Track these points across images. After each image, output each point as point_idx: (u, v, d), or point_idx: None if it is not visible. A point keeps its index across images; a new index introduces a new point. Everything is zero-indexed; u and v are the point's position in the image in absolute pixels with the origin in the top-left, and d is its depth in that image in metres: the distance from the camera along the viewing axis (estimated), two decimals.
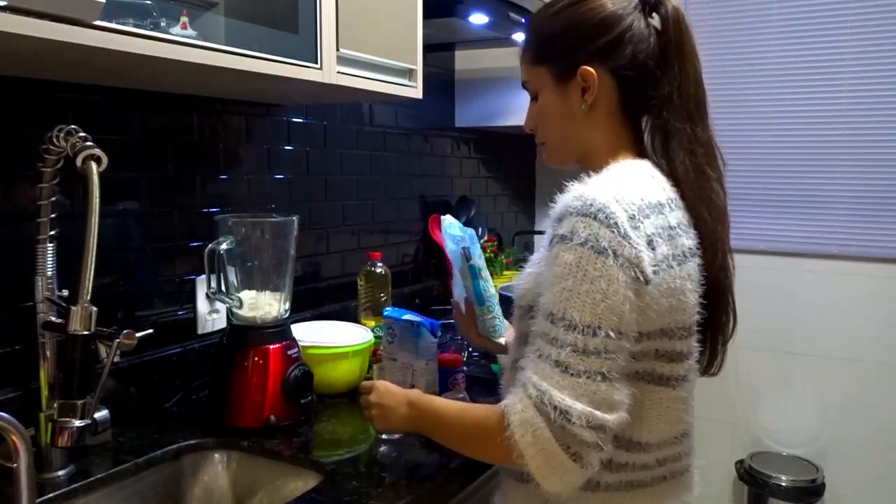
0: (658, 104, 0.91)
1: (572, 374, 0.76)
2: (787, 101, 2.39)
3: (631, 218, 0.79)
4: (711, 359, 0.96)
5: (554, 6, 0.94)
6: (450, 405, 0.95)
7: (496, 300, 1.24)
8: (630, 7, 0.91)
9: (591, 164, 0.94)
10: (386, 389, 1.04)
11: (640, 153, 0.94)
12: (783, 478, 2.30)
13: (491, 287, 1.23)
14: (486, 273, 1.22)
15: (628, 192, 0.82)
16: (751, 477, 2.36)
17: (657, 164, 0.92)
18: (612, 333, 0.76)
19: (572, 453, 0.76)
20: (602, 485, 0.86)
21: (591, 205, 0.79)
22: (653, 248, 0.80)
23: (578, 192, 0.82)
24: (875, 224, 2.30)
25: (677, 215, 0.86)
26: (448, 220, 1.24)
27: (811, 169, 2.38)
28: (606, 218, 0.78)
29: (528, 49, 0.97)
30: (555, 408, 0.75)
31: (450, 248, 1.23)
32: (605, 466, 0.85)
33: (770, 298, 2.43)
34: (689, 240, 0.86)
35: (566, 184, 0.86)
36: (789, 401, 2.47)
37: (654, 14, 0.93)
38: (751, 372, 2.48)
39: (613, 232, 0.77)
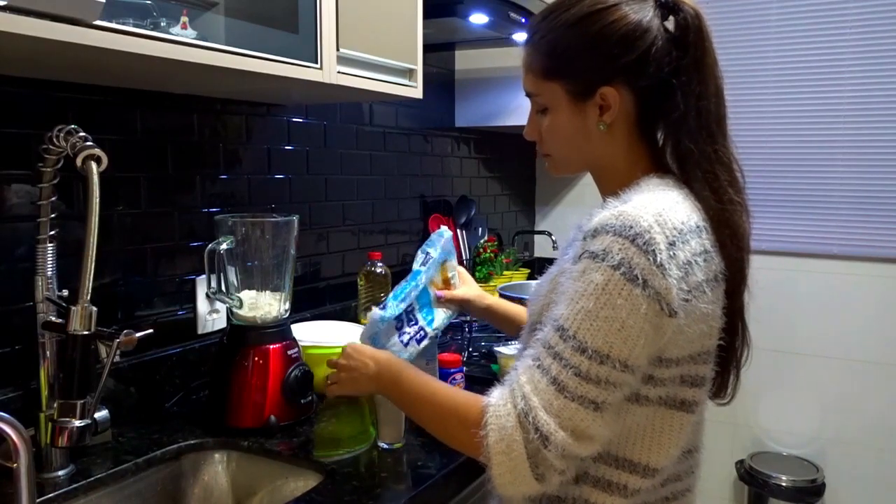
0: (675, 122, 0.85)
1: (566, 397, 0.74)
2: (787, 101, 2.39)
3: (671, 245, 0.75)
4: (723, 387, 0.93)
5: (567, 13, 0.85)
6: (427, 378, 0.93)
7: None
8: (650, 16, 0.83)
9: (607, 178, 0.91)
10: (354, 347, 1.01)
11: (660, 167, 0.89)
12: (783, 478, 2.30)
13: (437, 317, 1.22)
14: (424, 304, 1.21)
15: (670, 214, 0.77)
16: (751, 477, 2.36)
17: (682, 181, 0.88)
18: (618, 365, 0.74)
19: (538, 473, 0.75)
20: None
21: (631, 227, 0.75)
22: (688, 277, 0.77)
23: (619, 210, 0.77)
24: (875, 224, 2.30)
25: (711, 238, 0.82)
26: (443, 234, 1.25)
27: (811, 169, 2.38)
28: (645, 244, 0.74)
29: (538, 60, 0.88)
30: (537, 429, 0.74)
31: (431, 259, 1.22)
32: (619, 492, 0.83)
33: (770, 298, 2.42)
34: (720, 263, 0.83)
35: (605, 199, 0.83)
36: (789, 401, 2.47)
37: (671, 17, 0.84)
38: (751, 372, 2.46)
39: (649, 260, 0.73)
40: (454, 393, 0.89)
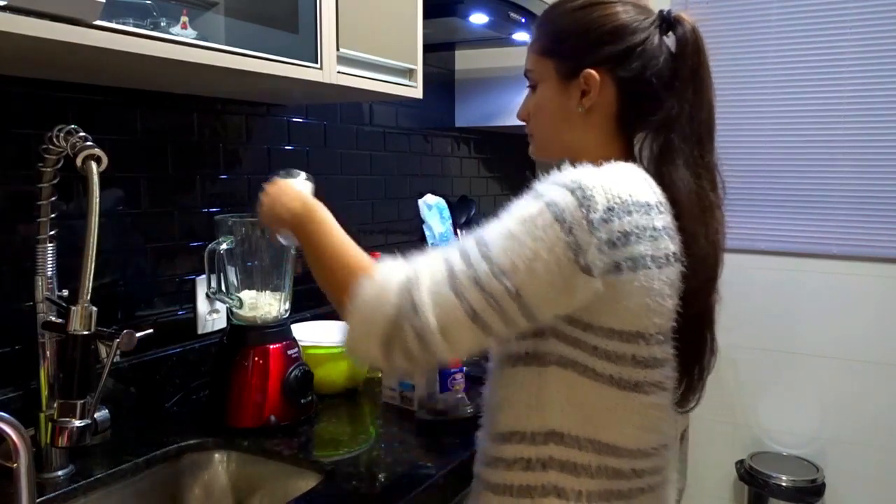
0: (663, 123, 0.90)
1: (453, 292, 0.76)
2: (786, 101, 2.39)
3: (608, 209, 0.78)
4: (688, 393, 0.94)
5: (573, 2, 0.93)
6: (342, 232, 0.92)
7: None
8: (647, 22, 0.90)
9: (579, 162, 0.93)
10: (285, 184, 0.99)
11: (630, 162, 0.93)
12: (783, 478, 2.30)
13: None
14: None
15: (618, 185, 0.80)
16: (751, 477, 2.36)
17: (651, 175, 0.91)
18: (511, 288, 0.75)
19: (387, 340, 0.77)
20: (584, 494, 0.85)
21: (576, 182, 0.79)
22: (623, 245, 0.78)
23: (570, 172, 0.82)
24: (875, 224, 2.30)
25: (665, 219, 0.84)
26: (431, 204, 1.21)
27: (811, 169, 2.38)
28: (583, 198, 0.77)
29: (539, 39, 0.97)
30: (411, 300, 0.76)
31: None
32: (585, 473, 0.84)
33: (770, 298, 2.43)
34: (673, 245, 0.84)
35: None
36: (789, 401, 2.47)
37: (670, 33, 0.91)
38: (751, 372, 2.48)
39: (582, 213, 0.76)
40: (356, 248, 0.89)
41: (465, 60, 2.28)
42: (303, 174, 1.04)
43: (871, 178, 2.29)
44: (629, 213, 0.80)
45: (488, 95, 2.24)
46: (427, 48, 1.50)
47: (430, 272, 0.78)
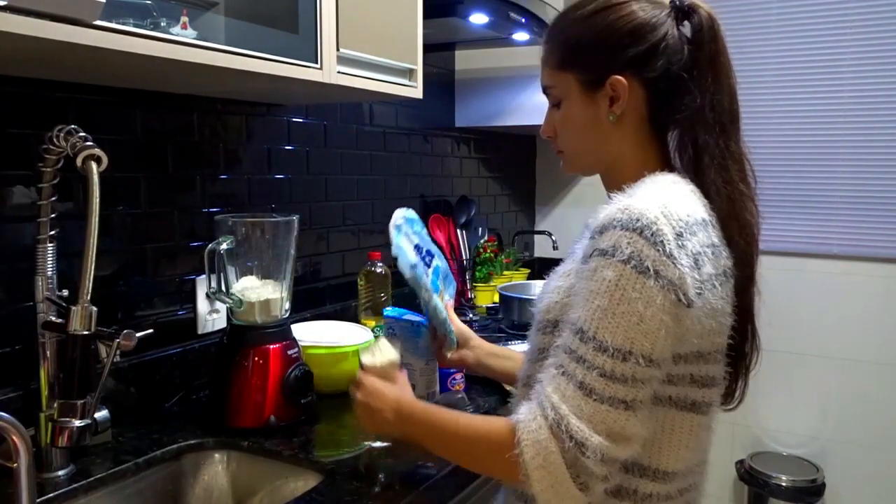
0: (689, 117, 0.87)
1: (595, 400, 0.73)
2: (786, 101, 2.39)
3: (678, 235, 0.75)
4: (731, 392, 0.91)
5: (583, 9, 0.90)
6: (448, 413, 0.90)
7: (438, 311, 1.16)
8: (663, 15, 0.86)
9: (615, 175, 0.91)
10: (374, 388, 0.96)
11: (668, 166, 0.90)
12: (783, 478, 2.30)
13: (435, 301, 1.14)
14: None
15: (676, 207, 0.77)
16: (751, 477, 2.36)
17: (690, 179, 0.88)
18: (642, 360, 0.73)
19: (580, 483, 0.73)
20: None
21: (637, 220, 0.75)
22: (698, 268, 0.76)
23: (624, 204, 0.77)
24: (875, 224, 2.30)
25: (718, 234, 0.83)
26: (403, 219, 1.14)
27: (811, 169, 2.38)
28: (653, 235, 0.74)
29: (554, 53, 0.92)
30: (571, 437, 0.72)
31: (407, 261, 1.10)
32: (630, 498, 0.82)
33: (770, 298, 2.41)
34: (729, 259, 0.83)
35: (611, 196, 0.82)
36: (789, 401, 2.47)
37: (686, 22, 0.88)
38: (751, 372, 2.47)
39: (658, 251, 0.73)
40: (478, 420, 0.86)
41: (465, 60, 2.28)
42: (385, 346, 1.03)
43: (871, 178, 2.29)
44: (694, 233, 0.78)
45: (488, 95, 2.24)
46: (427, 48, 1.50)
47: (561, 398, 0.74)
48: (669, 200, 0.78)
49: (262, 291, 1.24)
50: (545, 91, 0.95)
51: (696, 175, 0.87)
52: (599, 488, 0.75)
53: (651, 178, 0.85)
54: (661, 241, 0.74)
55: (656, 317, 0.73)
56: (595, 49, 0.88)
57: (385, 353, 1.03)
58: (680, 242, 0.75)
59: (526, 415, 0.76)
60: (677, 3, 0.88)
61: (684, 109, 0.87)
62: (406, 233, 1.14)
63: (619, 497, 0.82)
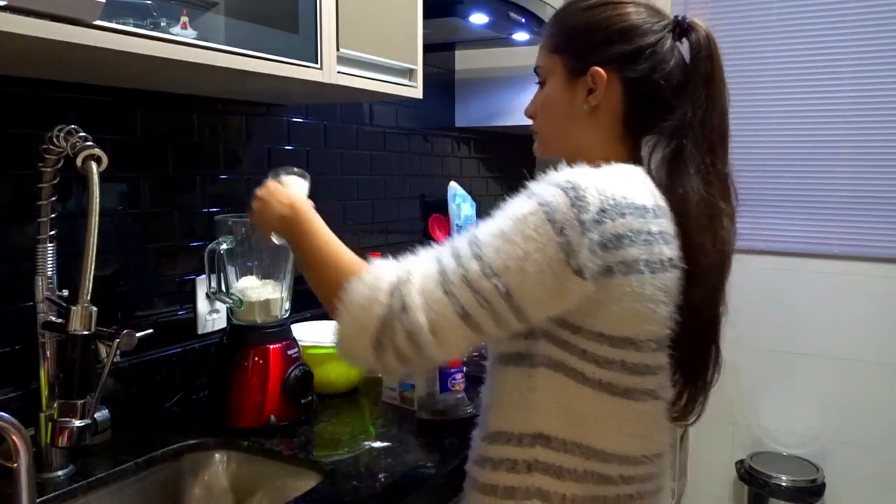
0: (675, 128, 0.89)
1: (445, 292, 0.76)
2: (787, 100, 2.39)
3: (601, 211, 0.77)
4: (689, 406, 0.92)
5: (586, 1, 0.94)
6: (333, 236, 0.92)
7: None
8: (658, 26, 0.90)
9: (580, 162, 0.91)
10: (276, 187, 0.97)
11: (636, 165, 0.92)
12: (783, 478, 2.30)
13: None
14: None
15: (613, 187, 0.79)
16: (751, 477, 2.36)
17: (654, 180, 0.89)
18: (502, 288, 0.75)
19: (379, 341, 0.76)
20: (569, 498, 0.84)
21: (569, 182, 0.78)
22: (615, 248, 0.77)
23: (565, 171, 0.82)
24: (875, 224, 2.30)
25: (662, 223, 0.83)
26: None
27: (811, 169, 2.38)
28: (576, 198, 0.77)
29: (550, 36, 0.96)
30: (402, 301, 0.76)
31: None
32: (571, 477, 0.83)
33: (770, 298, 2.43)
34: (669, 250, 0.83)
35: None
36: (789, 401, 2.47)
37: (684, 39, 0.91)
38: (751, 372, 2.48)
39: (574, 213, 0.76)
40: (347, 251, 0.89)
41: (465, 60, 2.28)
42: (296, 171, 1.03)
43: (871, 178, 2.29)
44: (623, 215, 0.78)
45: (488, 95, 2.24)
46: (427, 48, 1.50)
47: (421, 272, 0.78)
48: (612, 181, 0.80)
49: (262, 291, 1.24)
50: (536, 70, 0.98)
51: (678, 183, 0.88)
52: (389, 361, 0.78)
53: (609, 165, 0.87)
54: (581, 206, 0.76)
55: (539, 263, 0.75)
56: (585, 38, 0.92)
57: (293, 184, 1.02)
58: (599, 217, 0.77)
59: (386, 265, 0.81)
60: (679, 18, 0.91)
61: (670, 121, 0.89)
62: (468, 201, 1.20)
63: (561, 477, 0.83)
